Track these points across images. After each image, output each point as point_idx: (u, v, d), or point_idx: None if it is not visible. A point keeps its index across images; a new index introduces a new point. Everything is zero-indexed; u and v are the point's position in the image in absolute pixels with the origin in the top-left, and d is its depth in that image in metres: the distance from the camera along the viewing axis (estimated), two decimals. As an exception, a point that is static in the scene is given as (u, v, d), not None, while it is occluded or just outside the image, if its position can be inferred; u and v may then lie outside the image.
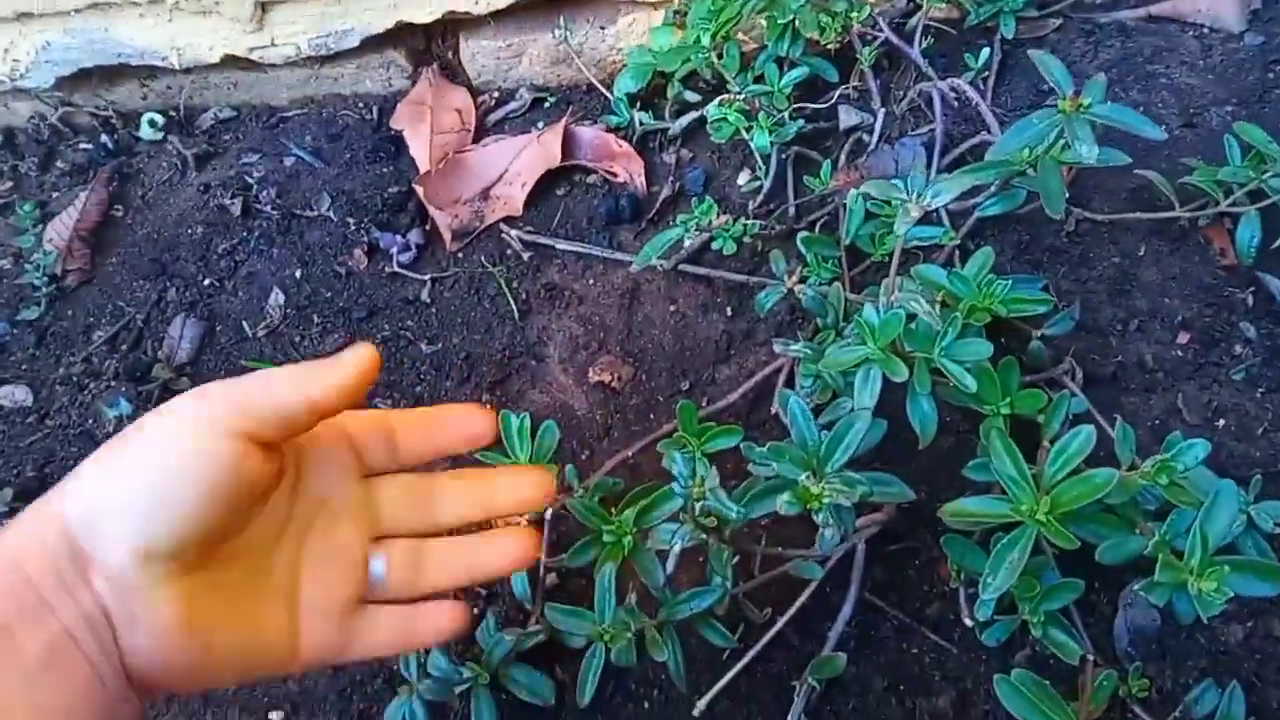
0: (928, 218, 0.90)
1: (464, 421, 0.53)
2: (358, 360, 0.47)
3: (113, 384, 0.98)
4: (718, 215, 0.92)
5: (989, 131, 0.90)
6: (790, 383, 0.82)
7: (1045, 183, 0.73)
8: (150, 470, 0.43)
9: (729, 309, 0.91)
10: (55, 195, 1.18)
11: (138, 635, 0.43)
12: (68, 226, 1.10)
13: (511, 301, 0.96)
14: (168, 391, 0.98)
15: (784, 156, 0.97)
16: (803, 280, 0.87)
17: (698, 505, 0.60)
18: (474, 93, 1.15)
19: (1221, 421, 0.78)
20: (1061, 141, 0.71)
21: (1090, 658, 0.68)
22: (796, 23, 0.94)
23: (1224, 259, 0.85)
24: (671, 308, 0.93)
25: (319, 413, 0.47)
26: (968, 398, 0.72)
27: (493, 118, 1.13)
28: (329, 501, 0.52)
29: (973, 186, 0.79)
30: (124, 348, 1.02)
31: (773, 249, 0.92)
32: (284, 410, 0.46)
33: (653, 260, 0.87)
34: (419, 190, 1.03)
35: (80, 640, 0.42)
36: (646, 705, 0.74)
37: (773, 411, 0.82)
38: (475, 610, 0.81)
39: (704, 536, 0.65)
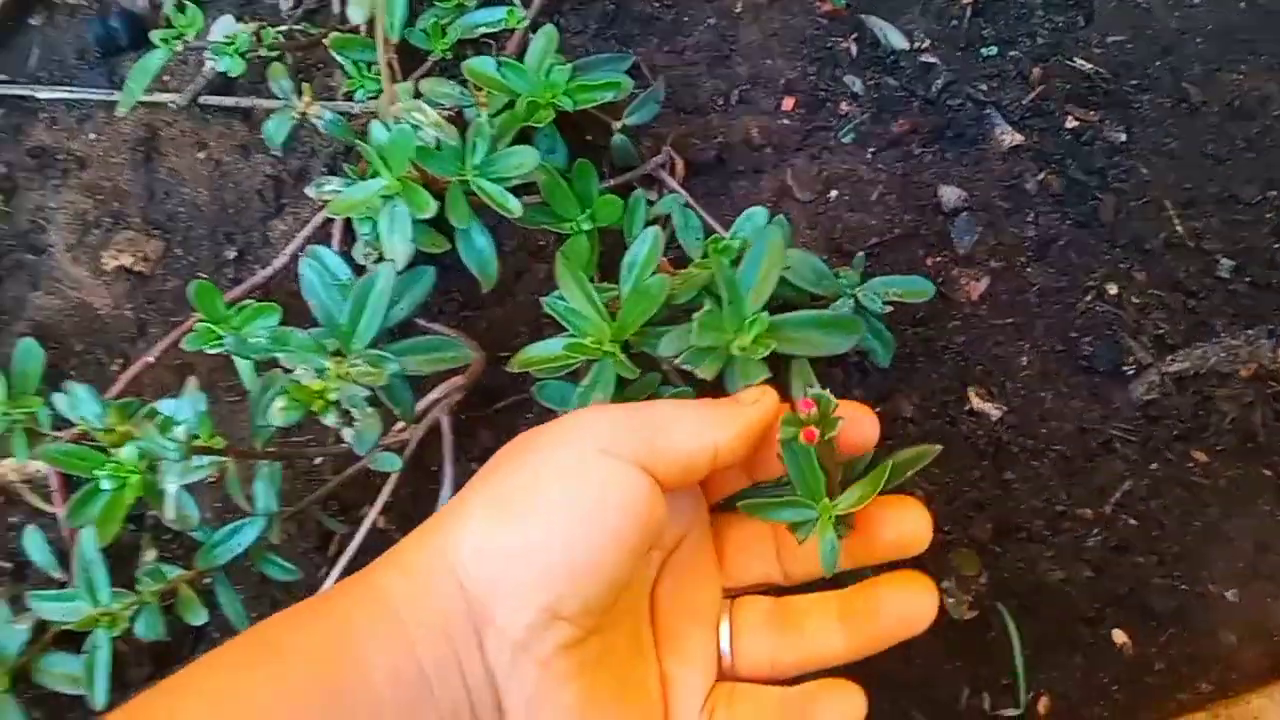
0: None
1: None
2: (760, 405, 0.44)
3: None
4: (243, 27, 0.72)
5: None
6: (350, 230, 0.67)
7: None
8: (557, 512, 0.38)
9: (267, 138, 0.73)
10: None
11: None
12: None
13: (-17, 181, 0.72)
14: None
15: (314, -62, 0.76)
16: (348, 96, 0.70)
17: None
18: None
19: (834, 193, 0.71)
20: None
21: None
22: None
23: (825, 4, 0.75)
24: (201, 155, 0.73)
25: (720, 463, 0.42)
26: (542, 217, 0.60)
27: (-70, -72, 0.83)
28: (680, 546, 0.46)
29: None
30: None
31: (317, 62, 0.74)
32: (691, 455, 0.41)
33: (137, 99, 0.66)
34: None
35: None
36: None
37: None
38: (-2, 590, 0.63)
39: (222, 462, 0.50)
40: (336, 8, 0.75)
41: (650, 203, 0.65)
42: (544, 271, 0.67)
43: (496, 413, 0.66)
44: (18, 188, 0.73)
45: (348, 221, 0.66)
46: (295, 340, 0.48)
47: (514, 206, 0.53)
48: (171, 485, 0.48)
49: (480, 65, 0.61)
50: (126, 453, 0.53)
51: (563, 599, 0.37)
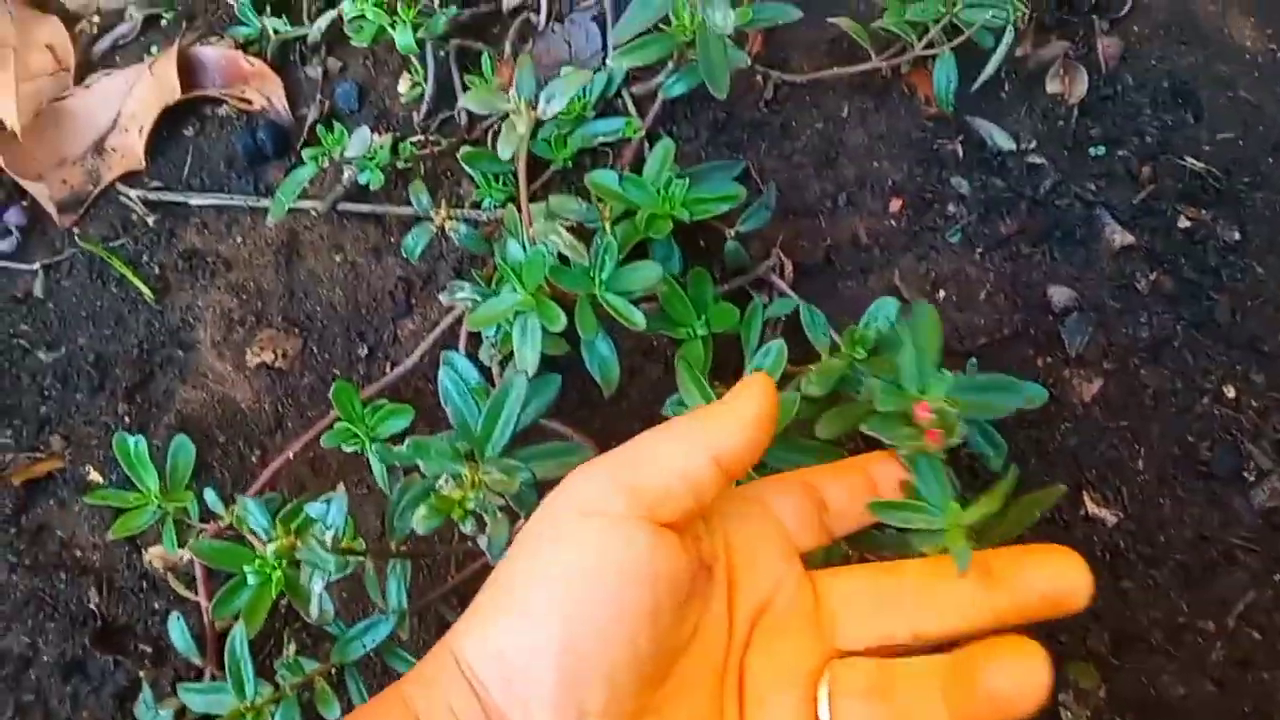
0: (611, 108, 0.78)
1: (889, 470, 0.43)
2: (753, 395, 0.39)
3: None
4: (375, 142, 0.77)
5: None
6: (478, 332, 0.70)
7: (704, 59, 0.61)
8: (549, 596, 0.34)
9: (405, 249, 0.77)
10: None
11: None
12: None
13: (141, 283, 0.78)
14: None
15: (442, 53, 0.82)
16: (476, 205, 0.74)
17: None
18: (69, 21, 0.93)
19: (942, 293, 0.72)
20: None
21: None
22: (421, -113, 0.77)
23: (930, 107, 0.77)
24: (338, 258, 0.78)
25: (727, 472, 0.38)
26: (659, 324, 0.62)
27: (99, 48, 0.92)
28: (772, 604, 0.40)
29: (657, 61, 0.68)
30: None
31: (445, 170, 0.79)
32: (686, 477, 0.37)
33: (287, 208, 0.72)
34: (1, 161, 0.83)
35: None
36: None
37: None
38: (141, 673, 0.67)
39: (361, 561, 0.53)
40: (463, 119, 0.80)
41: (763, 305, 0.68)
42: (656, 372, 0.70)
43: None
44: (170, 287, 0.79)
45: (473, 323, 0.70)
46: (435, 450, 0.51)
47: (639, 320, 0.55)
48: (318, 586, 0.51)
49: (602, 179, 0.64)
50: (272, 550, 0.57)
51: (583, 692, 0.33)
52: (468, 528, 0.49)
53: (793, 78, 0.77)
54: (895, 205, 0.74)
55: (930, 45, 0.73)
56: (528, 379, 0.54)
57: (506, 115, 0.75)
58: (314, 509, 0.52)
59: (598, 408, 0.69)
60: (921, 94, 0.77)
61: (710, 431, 0.38)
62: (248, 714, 0.53)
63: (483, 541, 0.50)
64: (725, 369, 0.64)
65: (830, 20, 0.76)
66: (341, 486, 0.51)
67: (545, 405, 0.58)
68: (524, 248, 0.56)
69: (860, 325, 0.56)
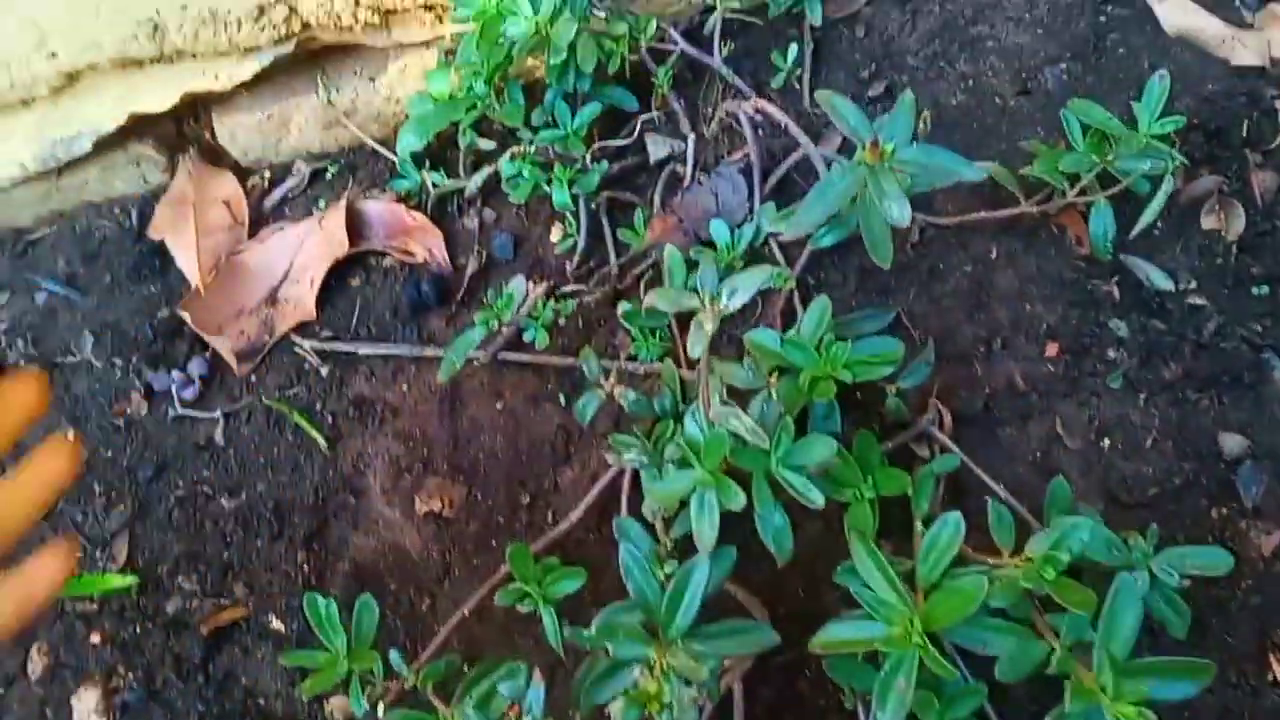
0: (758, 256, 0.80)
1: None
2: None
3: None
4: (531, 292, 0.81)
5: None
6: (638, 484, 0.72)
7: (868, 232, 0.63)
8: None
9: (562, 396, 0.80)
10: None
11: None
12: None
13: (314, 432, 0.83)
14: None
15: (594, 206, 0.86)
16: (631, 358, 0.77)
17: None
18: (243, 176, 1.01)
19: (1106, 441, 0.71)
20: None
21: (1006, 762, 0.60)
22: (577, 59, 0.81)
23: (1081, 248, 0.77)
24: (499, 405, 0.82)
25: None
26: (826, 486, 0.63)
27: (269, 201, 0.99)
28: None
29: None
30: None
31: (599, 318, 0.82)
32: None
33: (457, 366, 0.76)
34: (186, 316, 0.89)
35: None
36: None
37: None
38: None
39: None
40: (614, 268, 0.83)
41: (924, 460, 0.68)
42: (815, 529, 0.70)
43: (776, 667, 0.68)
44: (342, 434, 0.83)
45: (635, 475, 0.72)
46: (623, 633, 0.53)
47: (817, 499, 0.56)
48: (512, 765, 0.52)
49: (762, 339, 0.66)
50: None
51: None
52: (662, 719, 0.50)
53: (940, 220, 0.78)
54: (1052, 350, 0.74)
55: (1083, 192, 0.73)
56: (708, 557, 0.55)
57: (658, 264, 0.79)
58: (505, 688, 0.54)
59: (754, 561, 0.70)
60: (1072, 234, 0.77)
61: None
62: None
63: (676, 728, 0.51)
64: (890, 529, 0.64)
65: (979, 164, 0.77)
66: (538, 674, 0.53)
67: (721, 579, 0.59)
68: (703, 430, 0.57)
69: (1051, 544, 0.56)
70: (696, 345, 0.56)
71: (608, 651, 0.56)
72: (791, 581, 0.69)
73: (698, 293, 0.58)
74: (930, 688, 0.60)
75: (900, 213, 0.57)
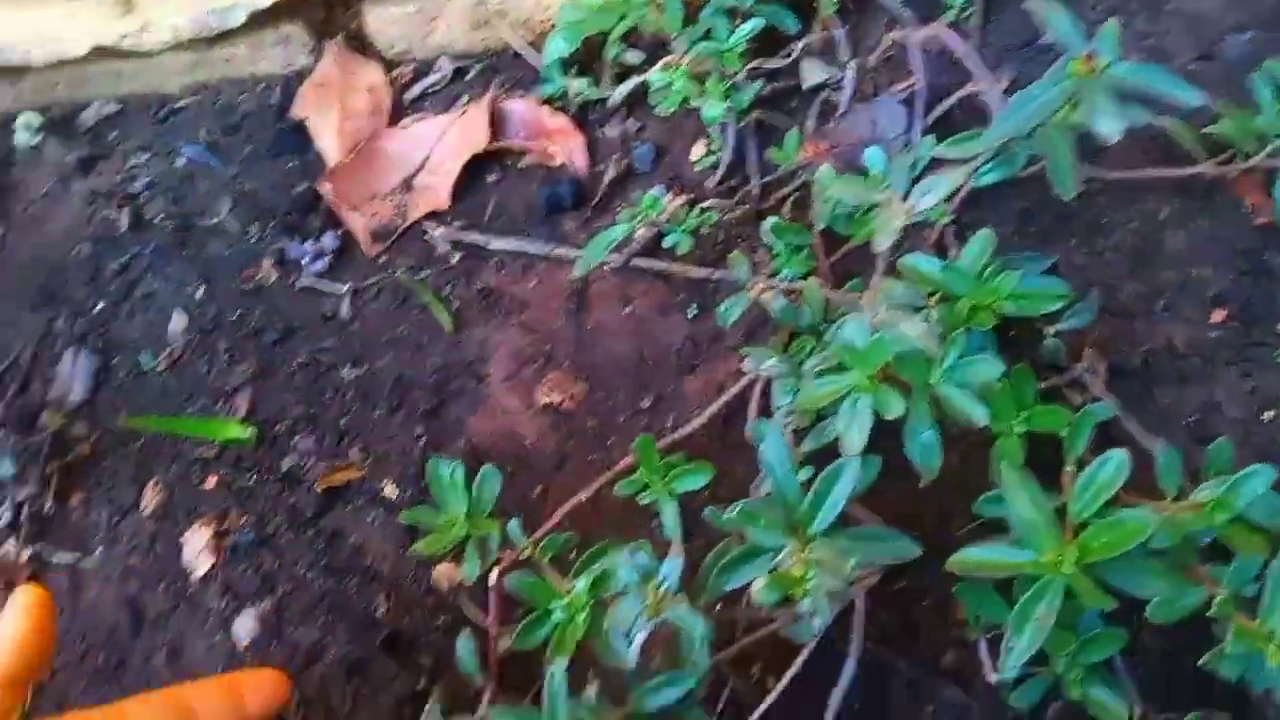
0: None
1: (261, 687, 0.49)
2: (23, 616, 0.45)
3: (-6, 438, 0.86)
4: (670, 202, 0.80)
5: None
6: (767, 398, 0.71)
7: (1054, 158, 0.60)
8: None
9: (692, 309, 0.79)
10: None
11: None
12: (-65, 254, 0.97)
13: (444, 313, 0.83)
14: (58, 442, 0.85)
15: (743, 125, 0.84)
16: (773, 275, 0.75)
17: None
18: (387, 67, 1.01)
19: (1269, 414, 0.67)
20: (1069, 106, 0.59)
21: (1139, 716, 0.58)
22: (746, -34, 0.80)
23: (1259, 217, 0.73)
24: (626, 310, 0.81)
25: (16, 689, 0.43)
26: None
27: (410, 94, 0.99)
28: None
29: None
30: (9, 393, 0.89)
31: (738, 235, 0.80)
32: None
33: (595, 263, 0.75)
34: (325, 190, 0.90)
35: None
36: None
37: (748, 434, 0.70)
38: (419, 685, 0.70)
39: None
40: (756, 187, 0.82)
41: (1075, 407, 0.65)
42: (955, 459, 0.67)
43: (896, 592, 0.66)
44: (467, 322, 0.83)
45: (767, 386, 0.70)
46: (765, 520, 0.52)
47: (979, 416, 0.54)
48: (639, 636, 0.52)
49: (920, 263, 0.64)
50: (579, 588, 0.59)
51: None
52: (805, 604, 0.48)
53: (1107, 174, 0.75)
54: (1218, 316, 0.70)
55: (1271, 155, 0.69)
56: (856, 464, 0.53)
57: (805, 185, 0.77)
58: (629, 559, 0.53)
59: (888, 482, 0.68)
60: (1250, 201, 0.74)
61: None
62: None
63: (816, 622, 0.49)
64: (1036, 469, 0.62)
65: (1153, 120, 0.73)
66: (678, 547, 0.52)
67: (862, 488, 0.57)
68: (862, 333, 0.55)
69: (1226, 488, 0.53)
70: (884, 239, 0.54)
71: (742, 539, 0.54)
72: (918, 511, 0.67)
73: (887, 189, 0.56)
74: (1067, 628, 0.58)
75: (1112, 127, 0.54)
